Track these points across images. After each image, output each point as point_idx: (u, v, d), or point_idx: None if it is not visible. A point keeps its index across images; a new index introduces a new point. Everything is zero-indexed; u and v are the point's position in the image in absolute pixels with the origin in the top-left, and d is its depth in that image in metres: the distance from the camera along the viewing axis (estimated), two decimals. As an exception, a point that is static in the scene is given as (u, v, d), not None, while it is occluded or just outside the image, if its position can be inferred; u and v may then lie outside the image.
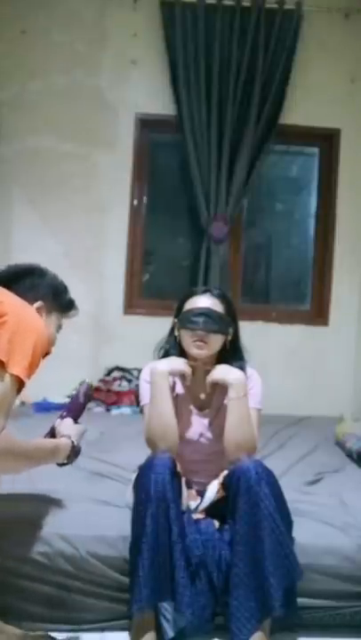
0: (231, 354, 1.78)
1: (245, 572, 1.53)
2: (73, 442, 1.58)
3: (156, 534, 1.53)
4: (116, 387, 3.30)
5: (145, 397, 1.75)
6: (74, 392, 1.74)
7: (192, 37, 3.28)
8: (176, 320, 1.78)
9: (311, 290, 3.65)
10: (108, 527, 1.71)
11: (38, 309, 1.48)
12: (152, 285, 3.65)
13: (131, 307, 3.43)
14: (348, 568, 1.69)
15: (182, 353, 1.78)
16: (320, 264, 3.60)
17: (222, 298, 1.79)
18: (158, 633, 1.57)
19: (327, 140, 3.56)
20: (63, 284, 1.60)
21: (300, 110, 3.44)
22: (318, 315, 3.57)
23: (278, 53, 3.33)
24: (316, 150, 3.65)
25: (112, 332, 3.38)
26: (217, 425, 1.77)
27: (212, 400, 1.82)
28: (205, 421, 1.81)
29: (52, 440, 1.58)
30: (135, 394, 3.26)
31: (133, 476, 1.76)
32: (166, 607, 1.57)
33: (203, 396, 1.82)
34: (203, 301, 1.75)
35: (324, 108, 3.48)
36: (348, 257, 3.54)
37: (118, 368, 3.39)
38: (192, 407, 1.82)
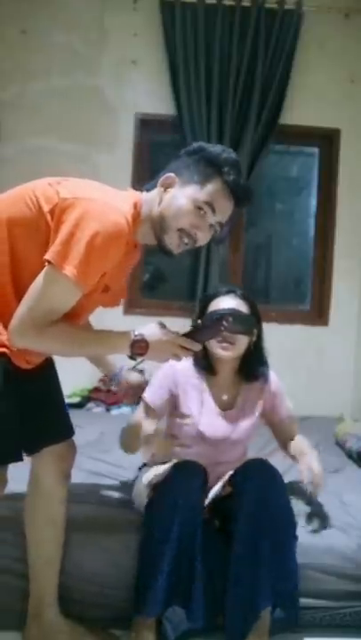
0: (255, 356, 1.78)
1: (244, 572, 1.53)
2: (137, 336, 1.36)
3: (179, 542, 1.52)
4: (116, 387, 3.30)
5: (149, 393, 1.76)
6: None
7: (192, 37, 3.28)
8: (200, 321, 1.71)
9: (311, 290, 3.65)
10: (108, 527, 1.71)
11: (168, 184, 1.39)
12: (152, 285, 3.66)
13: (131, 307, 3.43)
14: (349, 568, 1.70)
15: (206, 354, 1.76)
16: (320, 264, 3.60)
17: (246, 299, 1.77)
18: (158, 633, 1.57)
19: (327, 140, 3.56)
20: (220, 155, 1.39)
21: (300, 110, 3.44)
22: (318, 315, 3.57)
23: (278, 53, 3.33)
24: (316, 150, 3.65)
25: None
26: (240, 427, 1.76)
27: (235, 401, 1.80)
28: (229, 423, 1.77)
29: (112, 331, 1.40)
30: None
31: (140, 474, 1.75)
32: (172, 610, 1.57)
33: (225, 397, 1.80)
34: (228, 302, 1.73)
35: (323, 108, 3.48)
36: (348, 257, 3.54)
37: (118, 368, 3.39)
38: (215, 408, 1.79)
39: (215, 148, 1.41)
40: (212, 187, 1.37)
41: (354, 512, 1.88)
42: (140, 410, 1.78)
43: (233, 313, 1.66)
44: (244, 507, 1.56)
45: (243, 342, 1.72)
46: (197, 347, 1.42)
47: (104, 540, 1.70)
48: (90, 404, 3.24)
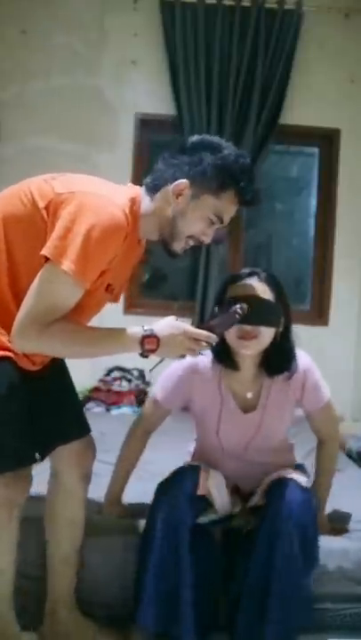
0: (281, 348, 1.53)
1: (252, 600, 1.47)
2: (147, 331, 1.31)
3: (163, 562, 1.46)
4: (116, 387, 3.30)
5: (161, 393, 1.64)
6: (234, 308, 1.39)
7: (192, 37, 3.28)
8: (217, 308, 1.51)
9: (311, 290, 3.65)
10: (108, 528, 1.71)
11: (180, 190, 1.35)
12: (152, 285, 3.66)
13: (131, 306, 3.43)
14: (349, 569, 1.69)
15: (226, 347, 1.53)
16: (320, 264, 3.60)
17: (271, 281, 1.53)
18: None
19: (327, 140, 3.56)
20: (237, 163, 1.34)
21: (300, 110, 3.44)
22: (318, 315, 3.57)
23: (278, 53, 3.33)
24: (316, 150, 3.65)
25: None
26: (266, 426, 1.60)
27: (259, 399, 1.60)
28: (253, 423, 1.60)
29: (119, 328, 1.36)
30: (135, 394, 3.27)
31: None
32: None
33: (250, 395, 1.59)
34: (249, 287, 1.49)
35: (324, 108, 3.48)
36: (348, 257, 3.54)
37: (118, 368, 3.39)
38: (238, 409, 1.59)
39: (229, 152, 1.36)
40: (226, 197, 1.36)
41: (354, 513, 1.87)
42: (149, 408, 1.69)
43: (253, 300, 1.44)
44: (260, 539, 1.47)
45: (267, 334, 1.48)
46: (213, 339, 1.33)
47: (104, 541, 1.69)
48: (90, 404, 3.23)
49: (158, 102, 3.41)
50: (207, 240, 1.42)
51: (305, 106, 3.45)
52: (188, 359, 1.51)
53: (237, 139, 3.31)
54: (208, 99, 3.31)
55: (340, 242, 3.53)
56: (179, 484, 1.54)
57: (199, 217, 1.37)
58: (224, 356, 1.55)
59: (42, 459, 1.47)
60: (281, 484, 1.54)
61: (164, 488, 1.57)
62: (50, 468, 1.58)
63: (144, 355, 1.32)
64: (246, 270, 1.55)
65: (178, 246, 1.41)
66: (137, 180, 3.68)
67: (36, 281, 1.25)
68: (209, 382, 1.59)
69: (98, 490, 1.88)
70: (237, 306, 1.37)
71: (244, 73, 3.31)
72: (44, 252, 1.23)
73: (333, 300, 3.54)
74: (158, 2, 3.31)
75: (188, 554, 1.46)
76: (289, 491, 1.51)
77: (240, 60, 3.30)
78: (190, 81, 3.30)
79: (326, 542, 1.70)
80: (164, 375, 1.64)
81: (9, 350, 1.32)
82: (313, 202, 3.67)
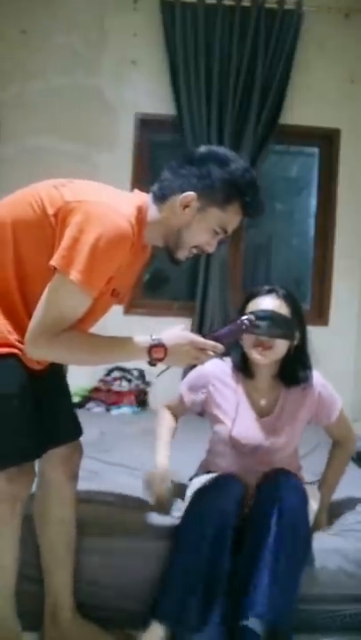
0: (296, 360, 1.69)
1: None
2: (155, 340, 1.34)
3: (203, 560, 1.50)
4: (116, 387, 3.30)
5: (185, 389, 1.79)
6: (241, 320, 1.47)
7: (192, 37, 3.28)
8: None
9: (311, 290, 3.65)
10: (106, 529, 1.71)
11: (188, 202, 1.37)
12: (152, 285, 3.66)
13: (131, 307, 3.43)
14: (349, 569, 1.69)
15: (244, 355, 1.69)
16: (320, 264, 3.60)
17: (288, 298, 1.66)
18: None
19: (327, 140, 3.56)
20: (244, 178, 1.37)
21: (300, 110, 3.44)
22: (318, 315, 3.57)
23: (278, 53, 3.33)
24: (316, 150, 3.65)
25: (112, 332, 3.37)
26: (278, 435, 1.69)
27: (274, 407, 1.72)
28: (265, 430, 1.70)
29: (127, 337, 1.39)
30: (135, 394, 3.27)
31: (190, 485, 1.76)
32: None
33: (264, 402, 1.73)
34: (267, 303, 1.63)
35: (324, 108, 3.48)
36: (348, 257, 3.54)
37: (118, 368, 3.39)
38: (252, 414, 1.72)
39: (236, 167, 1.38)
40: (231, 210, 1.40)
41: (354, 513, 1.87)
42: (174, 401, 1.82)
43: (270, 316, 1.58)
44: (256, 512, 1.54)
45: (281, 346, 1.63)
46: (220, 349, 1.38)
47: (102, 541, 1.69)
48: (90, 404, 3.24)
49: (158, 102, 3.41)
50: (211, 250, 1.46)
51: (305, 106, 3.45)
52: (212, 364, 1.69)
53: (237, 139, 3.31)
54: (208, 99, 3.31)
55: (340, 242, 3.53)
56: (227, 489, 1.60)
57: (204, 228, 1.40)
58: (242, 364, 1.72)
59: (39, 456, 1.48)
60: (272, 472, 1.62)
61: (212, 492, 1.60)
62: (37, 469, 1.57)
63: (151, 363, 1.36)
64: (266, 287, 1.68)
65: (182, 255, 1.44)
66: (137, 181, 3.70)
67: (46, 291, 1.28)
68: (229, 386, 1.74)
69: (99, 489, 1.89)
70: (244, 317, 1.45)
71: (244, 73, 3.31)
72: (53, 262, 1.26)
73: (333, 300, 3.54)
74: (158, 2, 3.31)
75: (229, 554, 1.51)
76: (279, 478, 1.59)
77: (240, 60, 3.30)
78: (190, 81, 3.30)
79: (326, 543, 1.71)
80: (192, 375, 1.80)
81: (16, 348, 1.34)
82: (313, 202, 3.67)
